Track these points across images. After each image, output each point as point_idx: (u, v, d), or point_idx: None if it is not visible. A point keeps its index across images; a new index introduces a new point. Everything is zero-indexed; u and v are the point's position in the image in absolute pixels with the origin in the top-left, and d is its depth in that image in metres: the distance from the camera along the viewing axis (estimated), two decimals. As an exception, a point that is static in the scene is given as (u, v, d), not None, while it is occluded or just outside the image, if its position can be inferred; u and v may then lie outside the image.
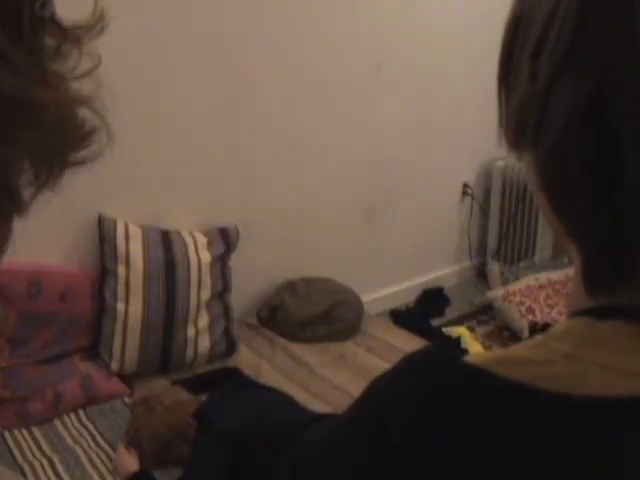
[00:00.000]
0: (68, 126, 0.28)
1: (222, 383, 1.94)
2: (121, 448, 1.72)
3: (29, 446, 1.78)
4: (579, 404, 0.36)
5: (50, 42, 0.27)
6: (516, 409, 0.37)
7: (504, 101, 0.43)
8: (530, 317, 2.80)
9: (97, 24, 0.29)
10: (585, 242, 0.39)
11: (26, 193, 0.29)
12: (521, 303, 2.84)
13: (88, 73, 0.29)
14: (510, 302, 2.85)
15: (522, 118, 0.40)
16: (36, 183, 0.29)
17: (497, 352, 0.40)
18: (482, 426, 0.37)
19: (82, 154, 0.30)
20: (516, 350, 0.40)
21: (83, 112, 0.29)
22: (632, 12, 0.34)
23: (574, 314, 0.40)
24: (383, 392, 0.43)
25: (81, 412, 1.94)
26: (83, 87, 0.29)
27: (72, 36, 0.28)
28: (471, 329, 2.93)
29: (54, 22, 0.27)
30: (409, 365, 0.43)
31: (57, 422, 1.89)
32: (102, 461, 1.74)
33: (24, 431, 1.84)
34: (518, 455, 0.36)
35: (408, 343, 2.45)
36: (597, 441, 0.36)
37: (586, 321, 0.39)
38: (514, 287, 2.91)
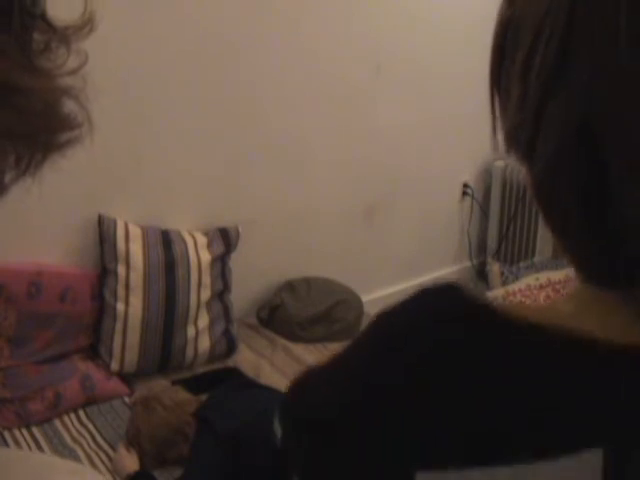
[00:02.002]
0: (52, 112, 0.29)
1: (222, 383, 1.94)
2: (121, 448, 1.72)
3: (29, 446, 1.78)
4: (583, 344, 0.38)
5: (39, 38, 0.28)
6: (528, 346, 0.39)
7: (498, 109, 0.43)
8: (530, 317, 2.80)
9: (86, 25, 0.30)
10: (578, 259, 0.40)
11: (7, 177, 0.30)
12: (521, 303, 2.84)
13: (75, 71, 0.30)
14: (510, 302, 2.85)
15: (514, 138, 0.40)
16: (17, 168, 0.30)
17: (503, 304, 0.42)
18: (488, 360, 0.39)
19: (64, 140, 0.30)
20: (526, 309, 0.43)
21: (68, 103, 0.30)
22: (616, 41, 0.33)
23: (580, 281, 0.42)
24: (393, 320, 0.44)
25: (81, 412, 1.94)
26: (69, 82, 0.30)
27: (61, 35, 0.29)
28: (471, 329, 2.93)
29: (44, 19, 0.28)
30: (421, 301, 0.44)
31: (57, 422, 1.89)
32: (102, 461, 1.74)
33: (24, 431, 1.84)
34: (519, 389, 0.38)
35: (408, 343, 2.46)
36: (596, 380, 0.38)
37: (588, 288, 0.41)
38: (514, 287, 2.91)
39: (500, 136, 0.43)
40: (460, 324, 0.40)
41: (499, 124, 0.43)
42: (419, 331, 0.41)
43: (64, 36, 0.29)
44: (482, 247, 3.51)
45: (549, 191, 0.38)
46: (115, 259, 2.09)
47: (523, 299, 2.85)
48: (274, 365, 2.26)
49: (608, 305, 0.39)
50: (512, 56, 0.39)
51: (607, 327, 0.38)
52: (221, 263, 2.30)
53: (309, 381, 0.45)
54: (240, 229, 2.38)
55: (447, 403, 0.38)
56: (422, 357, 0.40)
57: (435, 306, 0.42)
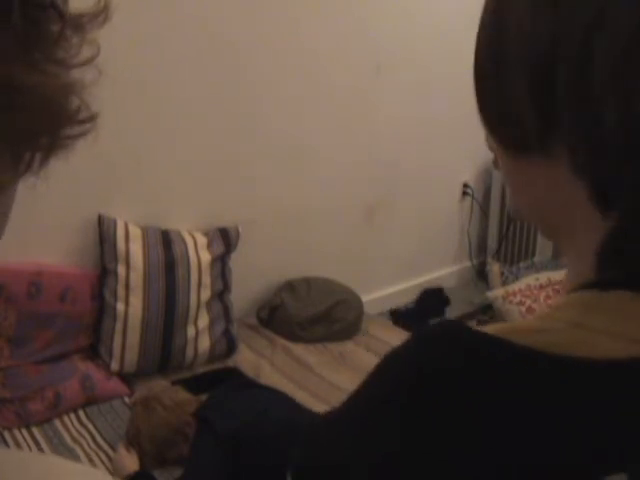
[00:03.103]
0: (54, 110, 0.28)
1: (222, 383, 1.94)
2: (121, 448, 1.72)
3: (29, 446, 1.78)
4: (582, 366, 0.37)
5: (51, 28, 0.27)
6: (525, 372, 0.38)
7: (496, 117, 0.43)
8: (530, 317, 2.80)
9: (101, 14, 0.29)
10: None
11: (5, 178, 0.29)
12: (521, 303, 2.84)
13: (88, 61, 0.29)
14: (510, 302, 2.85)
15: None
16: (18, 168, 0.29)
17: (505, 324, 0.41)
18: (493, 391, 0.38)
19: (69, 137, 0.29)
20: (524, 322, 0.41)
21: (74, 100, 0.29)
22: None
23: (577, 288, 0.42)
24: (401, 363, 0.43)
25: (81, 412, 1.94)
26: (84, 75, 0.29)
27: (74, 23, 0.28)
28: (471, 329, 2.93)
29: (55, 8, 0.27)
30: (422, 339, 0.44)
31: (57, 422, 1.89)
32: (102, 461, 1.74)
33: (24, 431, 1.84)
34: (528, 416, 0.37)
35: (408, 343, 2.45)
36: (596, 400, 0.37)
37: (591, 292, 0.40)
38: (514, 287, 2.91)
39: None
40: (462, 370, 0.40)
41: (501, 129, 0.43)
42: (419, 384, 0.41)
43: (78, 25, 0.28)
44: (482, 247, 3.51)
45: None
46: (115, 259, 2.09)
47: (523, 299, 2.85)
48: (274, 365, 2.26)
49: (610, 311, 0.38)
50: (516, 63, 0.39)
51: (617, 331, 0.37)
52: (221, 263, 2.30)
53: (316, 436, 0.45)
54: (240, 229, 2.38)
55: (454, 454, 0.38)
56: (423, 407, 0.40)
57: (436, 353, 0.42)
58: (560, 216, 0.43)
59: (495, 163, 0.48)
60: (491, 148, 0.47)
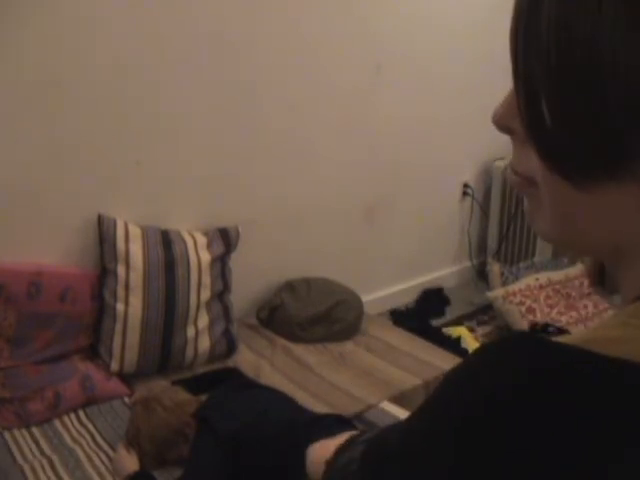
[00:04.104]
0: None
1: (222, 383, 1.94)
2: (121, 448, 1.72)
3: (29, 446, 1.78)
4: None
5: None
6: (621, 385, 0.37)
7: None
8: (530, 317, 2.80)
9: None
10: None
11: None
12: (521, 303, 2.84)
13: None
14: (510, 302, 2.84)
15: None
16: None
17: (582, 335, 0.40)
18: (588, 405, 0.36)
19: None
20: (600, 332, 0.40)
21: None
22: None
23: None
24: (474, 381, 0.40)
25: (81, 412, 1.94)
26: None
27: None
28: (471, 329, 2.93)
29: None
30: (497, 351, 0.41)
31: (57, 422, 1.89)
32: (102, 461, 1.74)
33: (24, 431, 1.84)
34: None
35: (408, 343, 2.45)
36: None
37: None
38: (514, 287, 2.91)
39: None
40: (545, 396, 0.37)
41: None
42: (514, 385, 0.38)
43: None
44: (482, 247, 3.51)
45: None
46: (115, 259, 2.09)
47: (523, 299, 2.85)
48: (274, 365, 2.26)
49: None
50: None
51: None
52: (221, 263, 2.30)
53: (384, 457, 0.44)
54: (240, 229, 2.38)
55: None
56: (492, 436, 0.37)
57: (507, 374, 0.38)
58: (630, 235, 0.41)
59: (521, 188, 0.44)
60: (523, 172, 0.44)
